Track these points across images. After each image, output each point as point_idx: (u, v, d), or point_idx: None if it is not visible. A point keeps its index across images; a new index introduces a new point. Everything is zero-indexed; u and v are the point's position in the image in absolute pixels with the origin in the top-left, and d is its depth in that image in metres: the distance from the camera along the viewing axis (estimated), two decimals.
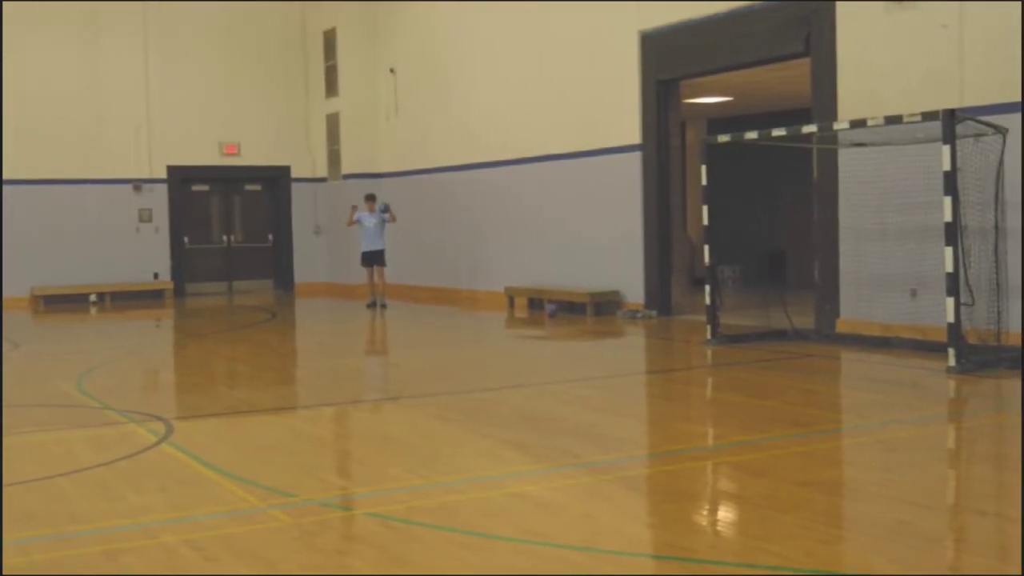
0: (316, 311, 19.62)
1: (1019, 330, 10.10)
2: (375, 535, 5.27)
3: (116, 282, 21.34)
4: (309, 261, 23.22)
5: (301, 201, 23.21)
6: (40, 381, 10.86)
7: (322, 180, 22.99)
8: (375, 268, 18.24)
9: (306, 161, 23.20)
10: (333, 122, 22.38)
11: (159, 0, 21.77)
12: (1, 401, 9.23)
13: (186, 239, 22.51)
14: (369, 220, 18.14)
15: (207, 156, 22.45)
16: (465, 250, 19.43)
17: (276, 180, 23.31)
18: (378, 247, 18.20)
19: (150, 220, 21.95)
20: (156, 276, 21.97)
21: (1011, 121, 10.18)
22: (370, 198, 18.44)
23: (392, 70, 21.16)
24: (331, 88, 22.33)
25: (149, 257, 21.91)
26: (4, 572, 4.82)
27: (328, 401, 9.63)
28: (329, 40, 22.26)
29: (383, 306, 18.16)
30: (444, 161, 19.88)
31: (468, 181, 19.26)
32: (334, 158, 22.48)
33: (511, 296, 17.56)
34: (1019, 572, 4.48)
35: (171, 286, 21.93)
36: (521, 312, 17.11)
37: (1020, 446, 6.69)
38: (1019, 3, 10.38)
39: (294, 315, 19.18)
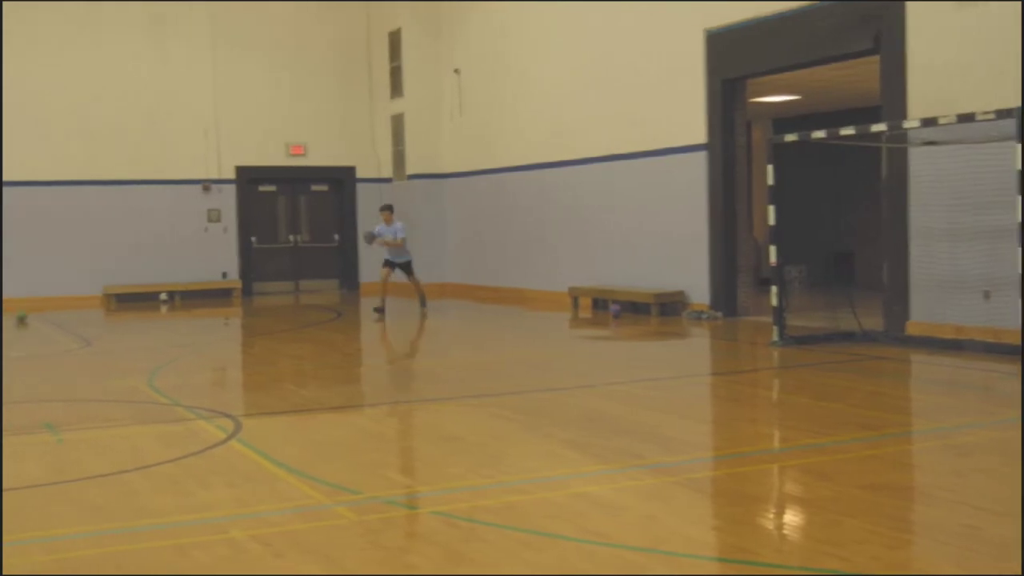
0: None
1: None
2: (438, 533, 5.29)
3: (186, 281, 21.68)
4: (374, 261, 23.37)
5: (366, 201, 23.38)
6: (111, 378, 11.06)
7: (387, 180, 23.13)
8: (403, 273, 17.61)
9: (371, 162, 23.37)
10: (398, 123, 22.51)
11: (226, 0, 22.06)
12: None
13: (254, 239, 22.79)
14: (387, 232, 17.46)
15: (274, 157, 22.73)
16: (529, 250, 19.43)
17: (342, 180, 23.51)
18: (404, 258, 17.57)
19: (219, 220, 22.26)
20: (224, 275, 22.28)
21: None
22: (386, 209, 17.81)
23: (457, 70, 21.23)
24: (396, 89, 22.46)
25: (218, 256, 22.23)
26: (79, 562, 4.91)
27: (392, 400, 9.69)
28: (394, 40, 22.39)
29: (423, 305, 17.71)
30: (508, 161, 19.90)
31: (532, 181, 19.26)
32: (399, 159, 22.61)
33: (575, 296, 17.52)
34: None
35: (239, 285, 22.22)
36: (585, 312, 17.08)
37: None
38: None
39: (359, 314, 19.32)
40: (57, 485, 6.39)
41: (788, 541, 5.21)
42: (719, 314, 15.06)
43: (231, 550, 5.05)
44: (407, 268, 17.61)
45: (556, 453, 7.08)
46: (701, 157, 15.37)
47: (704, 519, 5.63)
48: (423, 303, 17.74)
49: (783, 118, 21.36)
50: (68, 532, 5.38)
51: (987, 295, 11.09)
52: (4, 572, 4.84)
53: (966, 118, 10.14)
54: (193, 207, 22.03)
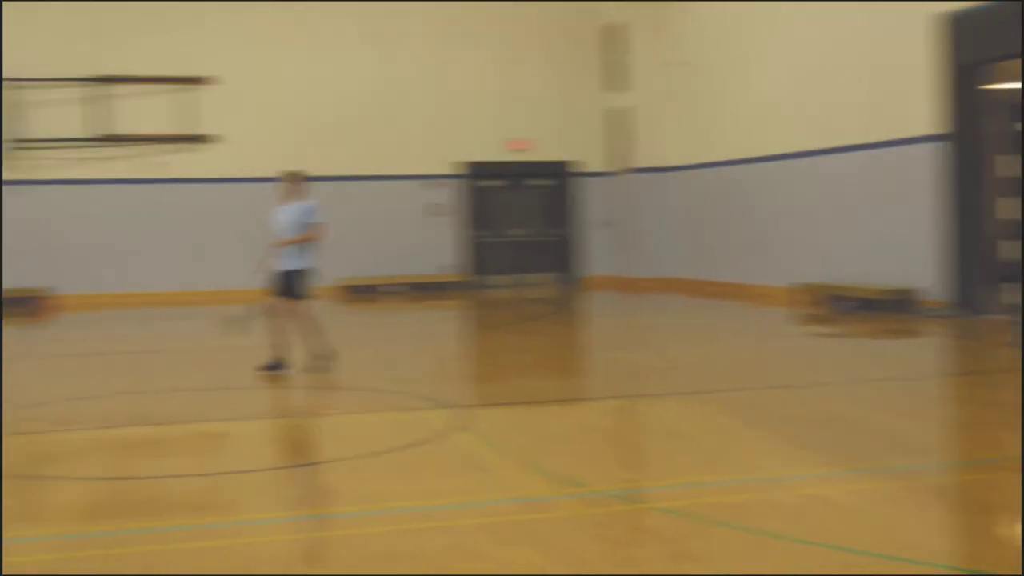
0: (602, 304, 19.79)
1: None
2: (662, 528, 5.26)
3: (412, 273, 22.30)
4: (596, 255, 23.44)
5: (590, 195, 23.45)
6: (344, 367, 11.45)
7: (611, 174, 23.13)
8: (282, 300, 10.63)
9: (595, 156, 23.40)
10: (622, 116, 22.47)
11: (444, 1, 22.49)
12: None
13: (477, 233, 23.22)
14: (284, 215, 10.79)
15: (498, 151, 23.06)
16: (753, 244, 19.05)
17: (565, 175, 23.65)
18: (291, 265, 10.59)
19: (444, 214, 22.77)
20: (443, 268, 22.75)
21: None
22: (293, 178, 10.95)
23: (682, 63, 21.02)
24: (621, 83, 22.43)
25: (442, 249, 22.74)
26: (314, 543, 5.13)
27: (614, 394, 9.69)
28: (618, 34, 22.36)
29: (325, 367, 10.38)
30: (733, 154, 19.57)
31: (757, 174, 18.87)
32: (623, 152, 22.56)
33: (803, 292, 17.06)
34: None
35: (463, 278, 22.69)
36: (813, 309, 16.61)
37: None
38: None
39: (581, 308, 19.43)
40: (290, 469, 6.69)
41: None
42: (955, 312, 14.36)
43: (457, 537, 5.17)
44: (294, 286, 10.62)
45: (785, 452, 6.91)
46: (935, 148, 14.67)
47: (942, 527, 5.37)
48: (323, 356, 10.60)
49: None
50: (298, 515, 5.62)
51: None
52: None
53: None
54: (417, 201, 22.59)
